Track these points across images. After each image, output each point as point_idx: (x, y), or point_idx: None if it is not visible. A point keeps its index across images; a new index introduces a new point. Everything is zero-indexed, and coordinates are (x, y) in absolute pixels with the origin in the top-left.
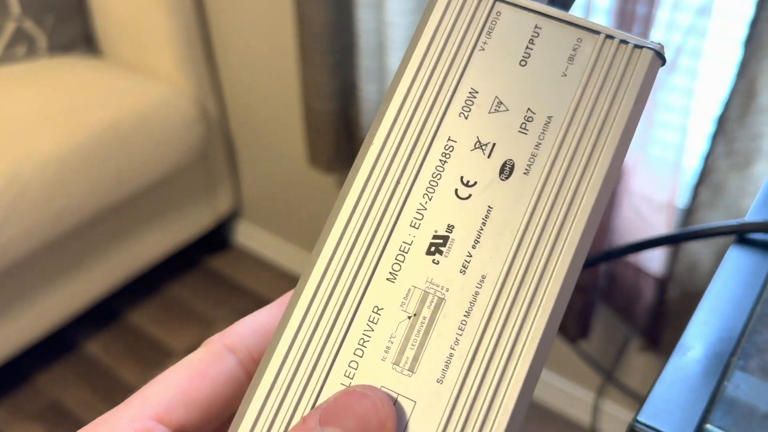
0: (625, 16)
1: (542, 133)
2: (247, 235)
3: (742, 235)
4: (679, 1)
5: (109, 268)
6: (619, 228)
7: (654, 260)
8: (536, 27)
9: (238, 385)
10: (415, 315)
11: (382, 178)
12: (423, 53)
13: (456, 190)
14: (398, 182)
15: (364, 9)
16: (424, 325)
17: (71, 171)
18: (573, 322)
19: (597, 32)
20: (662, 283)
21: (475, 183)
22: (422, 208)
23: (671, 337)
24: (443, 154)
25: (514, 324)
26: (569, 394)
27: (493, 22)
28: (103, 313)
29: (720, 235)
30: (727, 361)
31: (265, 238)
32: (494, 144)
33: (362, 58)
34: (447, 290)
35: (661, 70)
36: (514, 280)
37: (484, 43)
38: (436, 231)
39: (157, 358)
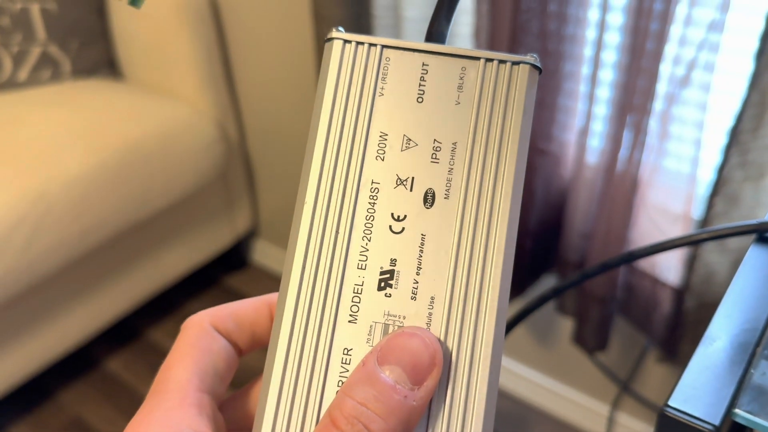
0: (638, 32)
1: (451, 158)
2: (264, 254)
3: (762, 234)
4: (691, 17)
5: (130, 286)
6: (637, 240)
7: (671, 270)
8: (424, 64)
9: (233, 357)
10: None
11: (321, 233)
12: (330, 109)
13: (390, 226)
14: (337, 232)
15: (382, 31)
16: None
17: (96, 190)
18: (591, 334)
19: (477, 58)
20: (679, 294)
21: (405, 216)
22: (364, 249)
23: (688, 347)
24: (371, 197)
25: (469, 330)
26: (585, 406)
27: (385, 68)
28: (124, 331)
29: (741, 234)
30: (752, 350)
31: (281, 256)
32: (413, 178)
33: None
34: (404, 318)
35: (675, 84)
36: (459, 292)
37: (382, 88)
38: (381, 267)
39: None
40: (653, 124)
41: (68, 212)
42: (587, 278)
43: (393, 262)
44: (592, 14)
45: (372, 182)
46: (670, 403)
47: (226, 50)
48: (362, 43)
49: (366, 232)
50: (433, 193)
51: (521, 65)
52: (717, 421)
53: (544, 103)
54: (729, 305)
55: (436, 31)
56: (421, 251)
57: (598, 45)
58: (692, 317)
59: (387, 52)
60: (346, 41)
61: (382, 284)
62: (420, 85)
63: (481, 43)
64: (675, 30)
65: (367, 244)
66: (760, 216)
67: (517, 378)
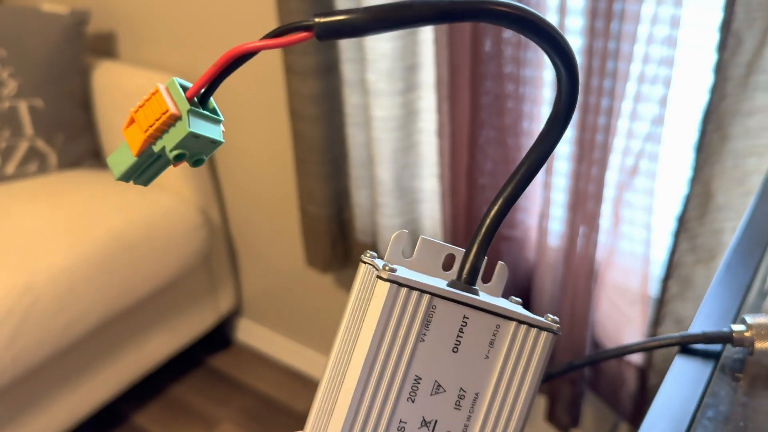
0: (587, 127)
1: (472, 407)
2: (248, 333)
3: (684, 345)
4: (636, 112)
5: (115, 372)
6: (599, 321)
7: None
8: (464, 317)
9: None
10: None
11: None
12: (376, 347)
13: None
14: None
15: (353, 127)
16: None
17: (81, 281)
18: (564, 411)
19: (511, 319)
20: (643, 372)
21: None
22: None
23: None
24: (400, 429)
25: None
26: None
27: (430, 315)
28: (109, 417)
29: (666, 346)
30: None
31: (265, 335)
32: (436, 421)
33: (353, 168)
34: None
35: (625, 173)
36: None
37: (424, 334)
38: None
39: None
40: (607, 209)
41: (54, 304)
42: (552, 378)
43: None
44: (545, 110)
45: (401, 421)
46: None
47: None
48: (413, 289)
49: None
50: None
51: (545, 333)
52: None
53: None
54: (654, 417)
55: (472, 267)
56: None
57: None
58: (655, 394)
59: (435, 300)
60: (399, 285)
61: None
62: (458, 335)
63: (444, 138)
64: (622, 124)
65: None
66: None
67: None
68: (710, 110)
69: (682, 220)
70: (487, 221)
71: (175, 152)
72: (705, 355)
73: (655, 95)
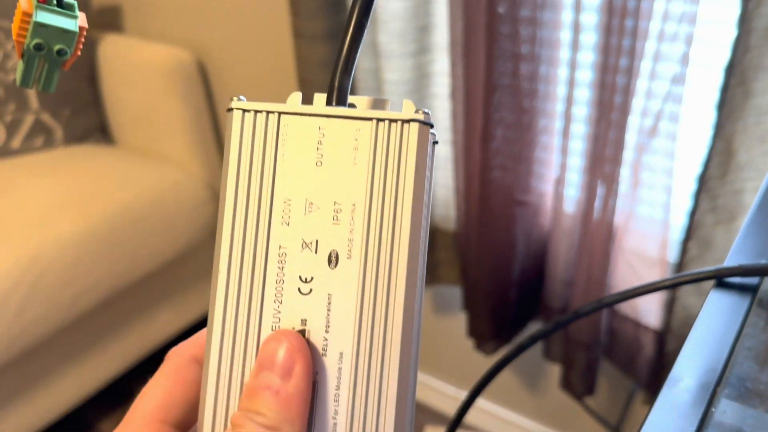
0: (606, 87)
1: (351, 219)
2: None
3: (720, 279)
4: (655, 72)
5: (123, 348)
6: (616, 285)
7: (652, 314)
8: (320, 128)
9: None
10: None
11: (236, 300)
12: (235, 179)
13: (299, 288)
14: (250, 297)
15: (364, 93)
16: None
17: (88, 254)
18: (578, 379)
19: (369, 119)
20: (661, 336)
21: (312, 278)
22: (277, 311)
23: None
24: (279, 261)
25: (375, 383)
26: None
27: (284, 135)
28: (117, 393)
29: (700, 280)
30: (713, 390)
31: None
32: (317, 240)
33: None
34: (317, 373)
35: (644, 135)
36: (365, 347)
37: (282, 154)
38: (294, 328)
39: None
40: (625, 172)
41: (61, 277)
42: (561, 326)
43: (304, 322)
44: (562, 72)
45: (280, 247)
46: None
47: (215, 113)
48: (260, 111)
49: (277, 295)
50: (337, 254)
51: (411, 123)
52: None
53: (521, 156)
54: (691, 348)
55: (338, 87)
56: (329, 311)
57: (569, 100)
58: (675, 359)
59: (284, 118)
60: (245, 111)
61: None
62: (318, 149)
63: (458, 102)
64: (641, 84)
65: (279, 307)
66: None
67: (508, 425)
68: (733, 64)
69: (703, 179)
70: (347, 40)
71: (33, 42)
72: (741, 288)
73: (676, 53)
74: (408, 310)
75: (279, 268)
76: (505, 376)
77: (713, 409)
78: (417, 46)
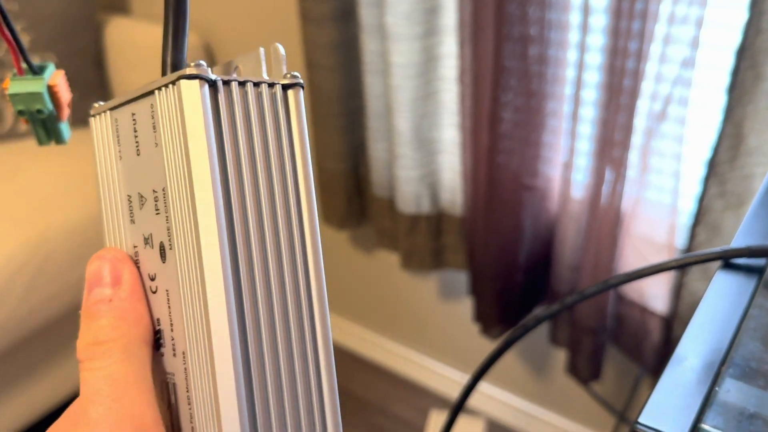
0: (615, 70)
1: (164, 205)
2: None
3: (726, 260)
4: (665, 55)
5: None
6: (623, 269)
7: (659, 299)
8: (132, 115)
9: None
10: (171, 404)
11: None
12: (100, 187)
13: (150, 288)
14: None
15: (371, 75)
16: (176, 409)
17: (95, 236)
18: (584, 364)
19: (150, 92)
20: (668, 322)
21: (155, 275)
22: None
23: None
24: (136, 262)
25: (205, 379)
26: None
27: (117, 130)
28: None
29: (707, 261)
30: (717, 369)
31: None
32: (151, 234)
33: (371, 120)
34: (174, 375)
35: (653, 119)
36: (195, 343)
37: (119, 151)
38: (154, 328)
39: None
40: (634, 157)
41: (68, 259)
42: (567, 307)
43: (158, 322)
44: (571, 55)
45: (134, 247)
46: (641, 420)
47: None
48: (102, 113)
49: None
50: (163, 246)
51: (177, 84)
52: None
53: (528, 140)
54: (697, 327)
55: (171, 63)
56: (169, 308)
57: (578, 84)
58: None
59: (114, 114)
60: (95, 116)
61: (157, 346)
62: (135, 137)
63: (466, 85)
64: (650, 67)
65: None
66: None
67: (513, 410)
68: (744, 47)
69: (712, 164)
70: (170, 17)
71: (17, 109)
72: (748, 269)
73: (686, 36)
74: (215, 294)
75: (138, 268)
76: (511, 361)
77: (717, 389)
78: (424, 28)
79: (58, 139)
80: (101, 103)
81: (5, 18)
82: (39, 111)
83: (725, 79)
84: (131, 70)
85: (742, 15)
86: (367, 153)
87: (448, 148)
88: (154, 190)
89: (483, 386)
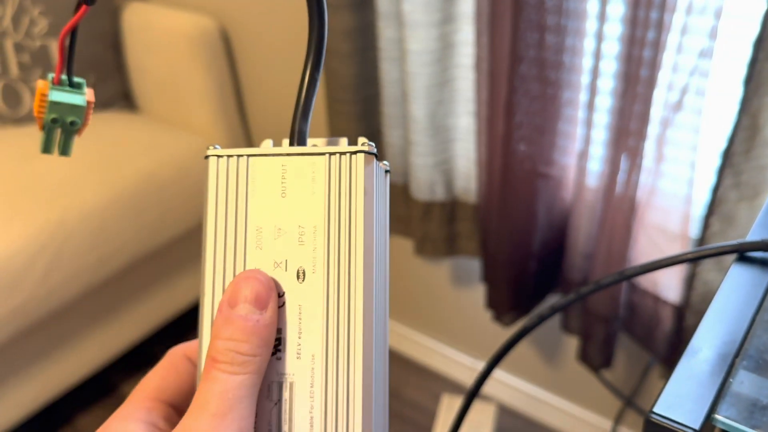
0: (632, 60)
1: (314, 239)
2: None
3: (742, 253)
4: (683, 45)
5: (146, 312)
6: (637, 259)
7: (671, 289)
8: (282, 165)
9: (194, 379)
10: (278, 401)
11: None
12: (214, 216)
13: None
14: None
15: (387, 62)
16: (287, 404)
17: (113, 219)
18: (596, 351)
19: (323, 154)
20: (680, 311)
21: (284, 293)
22: None
23: None
24: None
25: (342, 380)
26: (591, 423)
27: (253, 173)
28: (141, 356)
29: (722, 254)
30: (731, 361)
31: None
32: (287, 260)
33: (386, 106)
34: (294, 374)
35: (669, 109)
36: (332, 348)
37: (253, 189)
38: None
39: None
40: (649, 147)
41: (86, 241)
42: (582, 297)
43: (279, 331)
44: (588, 44)
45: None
46: (655, 409)
47: (238, 81)
48: (232, 156)
49: None
50: (303, 270)
51: (357, 154)
52: (697, 426)
53: (544, 128)
54: (711, 319)
55: (298, 130)
56: (300, 319)
57: (595, 73)
58: (693, 334)
59: (252, 160)
60: (219, 156)
61: (275, 351)
62: (282, 182)
63: (482, 73)
64: (667, 57)
65: None
66: None
67: (524, 395)
68: (762, 38)
69: (728, 155)
70: (303, 92)
71: (50, 117)
72: (763, 263)
73: (704, 27)
74: (367, 311)
75: None
76: (523, 348)
77: (731, 380)
78: (442, 16)
79: (66, 151)
80: (217, 147)
81: (74, 29)
82: (72, 123)
83: (742, 71)
84: (148, 54)
85: (761, 5)
86: (382, 139)
87: (463, 135)
88: (300, 226)
89: (495, 372)
